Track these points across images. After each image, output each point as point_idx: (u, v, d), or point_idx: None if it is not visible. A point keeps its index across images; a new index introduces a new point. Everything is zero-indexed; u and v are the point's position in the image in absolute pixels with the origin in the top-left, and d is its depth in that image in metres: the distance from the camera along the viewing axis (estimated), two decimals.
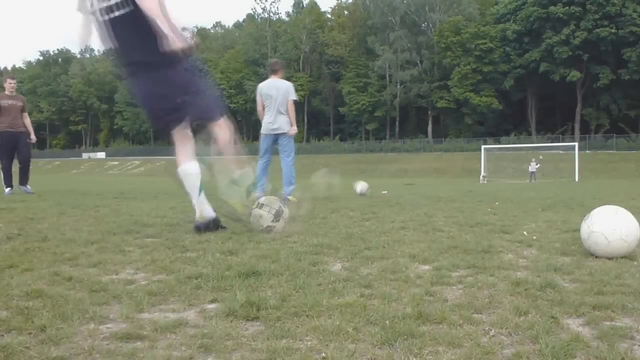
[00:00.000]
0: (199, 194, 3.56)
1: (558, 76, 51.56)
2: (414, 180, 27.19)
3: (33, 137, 8.34)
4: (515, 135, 53.27)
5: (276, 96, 7.10)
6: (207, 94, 3.69)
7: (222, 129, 3.69)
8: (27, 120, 8.32)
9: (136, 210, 5.31)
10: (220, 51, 75.03)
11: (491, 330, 1.54)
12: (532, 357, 1.34)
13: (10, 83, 8.30)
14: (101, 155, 72.09)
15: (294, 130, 7.25)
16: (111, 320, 1.62)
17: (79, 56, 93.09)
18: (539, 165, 33.29)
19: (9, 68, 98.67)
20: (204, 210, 3.56)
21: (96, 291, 1.93)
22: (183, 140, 3.60)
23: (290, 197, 6.74)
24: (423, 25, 62.45)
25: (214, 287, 1.99)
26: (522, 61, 53.94)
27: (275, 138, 7.21)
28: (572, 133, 53.25)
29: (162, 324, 1.55)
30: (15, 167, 8.27)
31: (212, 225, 3.56)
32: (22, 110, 8.25)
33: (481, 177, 31.28)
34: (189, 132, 3.65)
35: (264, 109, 7.20)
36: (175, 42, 3.20)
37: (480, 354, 1.35)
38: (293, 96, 7.18)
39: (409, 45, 60.12)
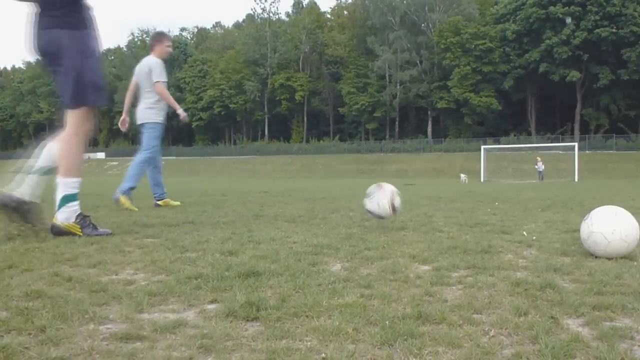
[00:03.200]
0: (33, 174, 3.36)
1: (558, 76, 51.61)
2: (413, 181, 27.20)
3: None
4: (515, 135, 53.29)
5: (139, 78, 5.96)
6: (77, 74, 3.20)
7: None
8: None
9: (135, 211, 5.31)
10: (219, 51, 75.03)
11: (491, 330, 1.54)
12: (532, 358, 1.34)
13: None
14: (101, 155, 72.06)
15: (182, 114, 6.05)
16: (111, 320, 1.61)
17: None
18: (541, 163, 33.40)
19: (9, 68, 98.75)
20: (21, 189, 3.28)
21: (96, 291, 1.93)
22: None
23: (121, 198, 5.60)
24: (423, 25, 62.47)
25: (213, 287, 1.99)
26: (521, 61, 53.99)
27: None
28: (572, 133, 53.28)
29: (161, 324, 1.55)
30: None
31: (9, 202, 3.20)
32: None
33: (462, 178, 31.13)
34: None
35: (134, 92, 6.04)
36: None
37: (480, 354, 1.35)
38: (156, 77, 5.81)
39: (409, 45, 60.14)
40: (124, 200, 5.55)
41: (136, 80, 5.99)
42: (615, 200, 7.65)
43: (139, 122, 5.96)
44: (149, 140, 5.92)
